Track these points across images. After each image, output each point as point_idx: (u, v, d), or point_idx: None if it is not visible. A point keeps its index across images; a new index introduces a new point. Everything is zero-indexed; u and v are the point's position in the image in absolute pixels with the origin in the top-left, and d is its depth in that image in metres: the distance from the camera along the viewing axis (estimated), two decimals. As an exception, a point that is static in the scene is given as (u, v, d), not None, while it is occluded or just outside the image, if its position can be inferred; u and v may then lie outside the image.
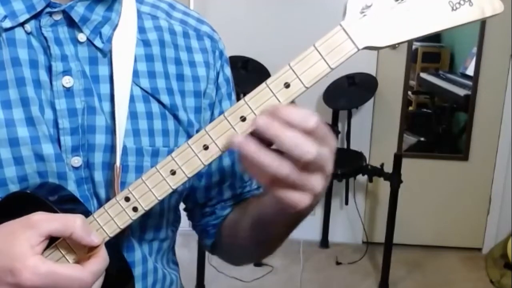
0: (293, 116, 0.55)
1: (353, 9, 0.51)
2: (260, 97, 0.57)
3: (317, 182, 0.58)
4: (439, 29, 0.49)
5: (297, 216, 0.66)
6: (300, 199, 0.58)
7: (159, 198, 0.63)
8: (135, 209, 0.64)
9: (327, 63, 0.54)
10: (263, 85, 0.56)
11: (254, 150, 0.55)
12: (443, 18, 0.49)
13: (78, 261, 0.63)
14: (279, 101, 0.56)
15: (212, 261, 2.95)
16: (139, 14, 0.78)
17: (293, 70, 0.55)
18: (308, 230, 3.49)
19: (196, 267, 2.81)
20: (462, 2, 0.48)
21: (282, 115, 0.55)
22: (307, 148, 0.54)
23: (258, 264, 3.16)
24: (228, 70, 0.85)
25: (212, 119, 0.82)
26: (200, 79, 0.80)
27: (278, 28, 3.23)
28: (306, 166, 0.56)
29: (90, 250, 0.63)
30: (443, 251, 3.45)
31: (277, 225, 0.71)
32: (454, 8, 0.48)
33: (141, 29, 0.77)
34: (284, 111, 0.55)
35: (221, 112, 0.82)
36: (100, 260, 0.62)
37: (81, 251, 0.63)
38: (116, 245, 0.72)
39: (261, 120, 0.55)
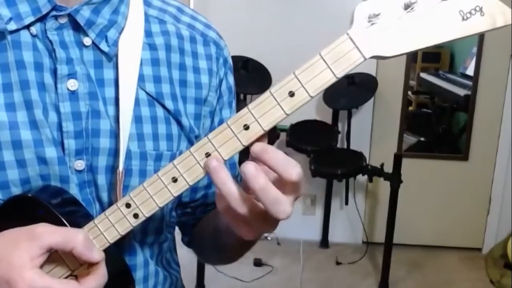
0: (278, 164, 0.55)
1: (361, 18, 0.50)
2: (264, 105, 0.56)
3: (270, 227, 0.59)
4: (449, 39, 0.48)
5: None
6: (247, 232, 0.60)
7: (160, 206, 0.62)
8: (136, 216, 0.63)
9: (333, 73, 0.53)
10: (267, 93, 0.55)
11: (223, 179, 0.57)
12: (453, 28, 0.48)
13: (77, 276, 0.63)
14: (283, 110, 0.55)
15: (212, 261, 2.94)
16: (147, 17, 0.77)
17: (298, 79, 0.54)
18: (308, 230, 3.49)
19: (196, 267, 2.82)
20: (473, 12, 0.47)
21: (267, 159, 0.55)
22: (284, 208, 0.55)
23: (258, 264, 3.17)
24: (231, 78, 0.85)
25: (212, 126, 0.82)
26: (202, 86, 0.80)
27: (278, 28, 3.22)
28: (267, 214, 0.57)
29: (90, 265, 0.62)
30: (443, 251, 3.46)
31: (229, 237, 0.72)
32: (465, 18, 0.47)
33: (148, 33, 0.76)
34: (271, 155, 0.56)
35: (221, 120, 0.82)
36: (99, 278, 0.62)
37: (81, 266, 0.63)
38: (118, 249, 0.71)
39: (247, 169, 0.55)
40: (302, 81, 0.54)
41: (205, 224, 0.86)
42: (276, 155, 0.56)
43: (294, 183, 0.56)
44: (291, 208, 0.56)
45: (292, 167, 0.55)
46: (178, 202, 0.86)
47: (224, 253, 0.84)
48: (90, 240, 0.62)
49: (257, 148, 0.56)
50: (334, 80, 0.53)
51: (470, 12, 0.47)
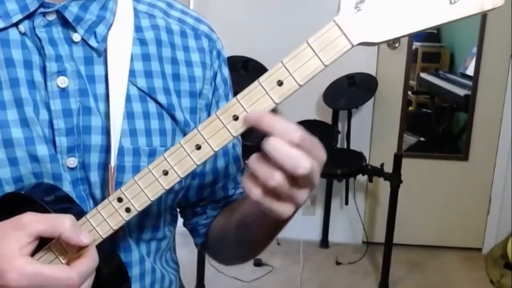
0: (277, 128, 0.55)
1: (347, 4, 0.50)
2: (252, 95, 0.55)
3: (303, 195, 0.59)
4: (437, 23, 0.47)
5: (277, 222, 0.65)
6: (284, 210, 0.58)
7: (152, 199, 0.62)
8: (128, 210, 0.63)
9: (321, 60, 0.52)
10: (255, 83, 0.55)
11: (273, 120, 0.55)
12: (441, 12, 0.47)
13: (68, 261, 0.63)
14: (272, 99, 0.55)
15: (212, 261, 2.93)
16: (136, 12, 0.77)
17: (286, 68, 0.54)
18: (308, 230, 3.48)
19: (196, 267, 2.81)
20: (461, -5, 0.46)
21: (266, 126, 0.55)
22: (300, 162, 0.54)
23: (258, 264, 3.16)
24: (226, 71, 0.84)
25: None
26: (196, 79, 0.79)
27: (278, 28, 3.22)
28: (296, 179, 0.56)
29: (81, 250, 0.62)
30: (443, 251, 3.44)
31: (258, 227, 0.72)
32: (453, 1, 0.46)
33: (138, 28, 0.76)
34: (269, 121, 0.55)
35: None
36: (89, 261, 0.62)
37: (72, 252, 0.63)
38: (112, 246, 0.71)
39: (267, 143, 0.55)
40: (290, 69, 0.53)
41: (223, 221, 0.85)
42: (274, 120, 0.55)
43: (299, 145, 0.55)
44: (308, 163, 0.54)
45: (293, 131, 0.54)
46: (187, 204, 0.86)
47: (250, 247, 0.83)
48: (78, 225, 0.62)
49: (252, 117, 0.56)
50: (322, 67, 0.53)
51: (458, -5, 0.46)
